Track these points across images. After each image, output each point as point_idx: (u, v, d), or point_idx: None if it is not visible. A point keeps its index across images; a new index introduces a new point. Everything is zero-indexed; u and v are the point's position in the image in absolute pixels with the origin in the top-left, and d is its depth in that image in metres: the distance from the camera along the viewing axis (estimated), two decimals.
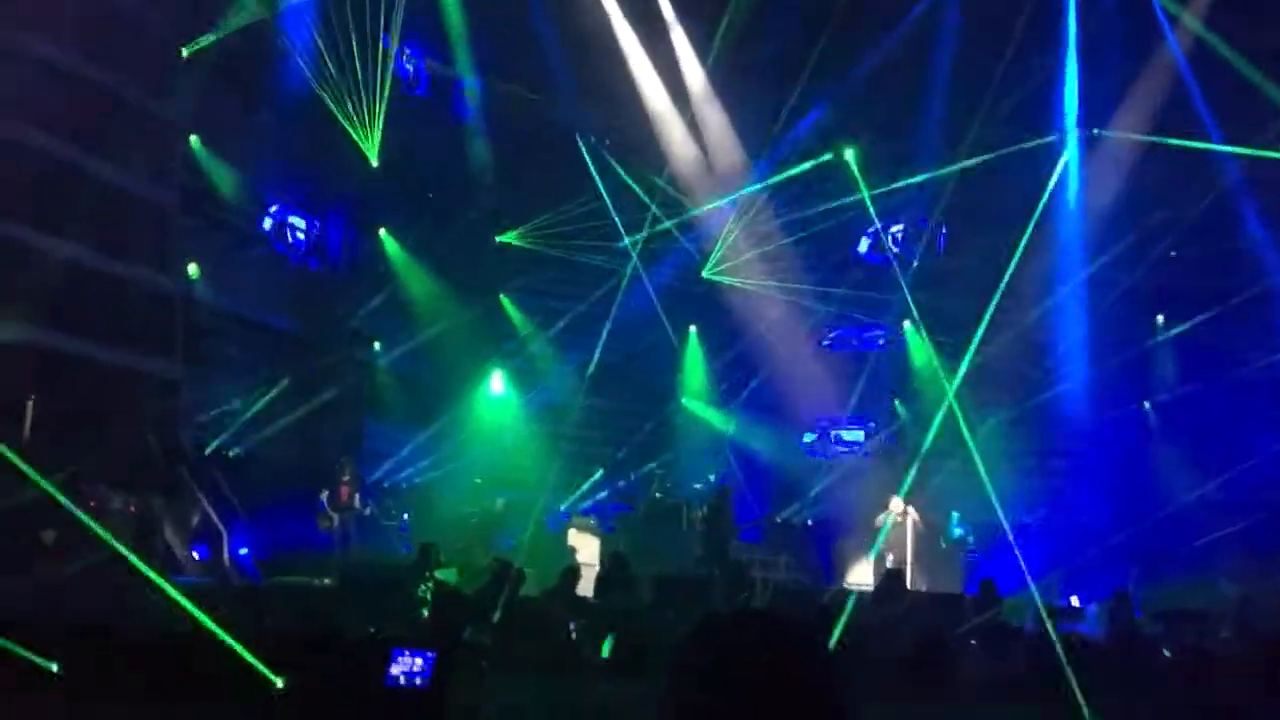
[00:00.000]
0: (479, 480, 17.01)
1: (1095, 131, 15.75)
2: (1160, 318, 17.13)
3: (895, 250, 18.41)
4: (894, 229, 18.68)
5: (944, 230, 17.88)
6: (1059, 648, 7.71)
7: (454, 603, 9.54)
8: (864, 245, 19.07)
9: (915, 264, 18.67)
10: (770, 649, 2.24)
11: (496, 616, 10.57)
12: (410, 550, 13.93)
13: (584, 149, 18.01)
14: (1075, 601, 14.95)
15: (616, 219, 17.98)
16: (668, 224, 17.96)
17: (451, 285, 17.99)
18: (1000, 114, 16.23)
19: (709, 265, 17.93)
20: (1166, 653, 9.11)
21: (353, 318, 17.74)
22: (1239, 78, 14.72)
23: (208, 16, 14.46)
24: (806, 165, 16.65)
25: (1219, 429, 15.79)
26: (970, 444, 17.15)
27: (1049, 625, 9.15)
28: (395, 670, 3.73)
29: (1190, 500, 15.98)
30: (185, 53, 14.30)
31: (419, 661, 3.47)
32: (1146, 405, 16.21)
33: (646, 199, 17.78)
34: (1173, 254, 15.60)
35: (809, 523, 17.66)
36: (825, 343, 19.73)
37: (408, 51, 16.27)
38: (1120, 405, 15.86)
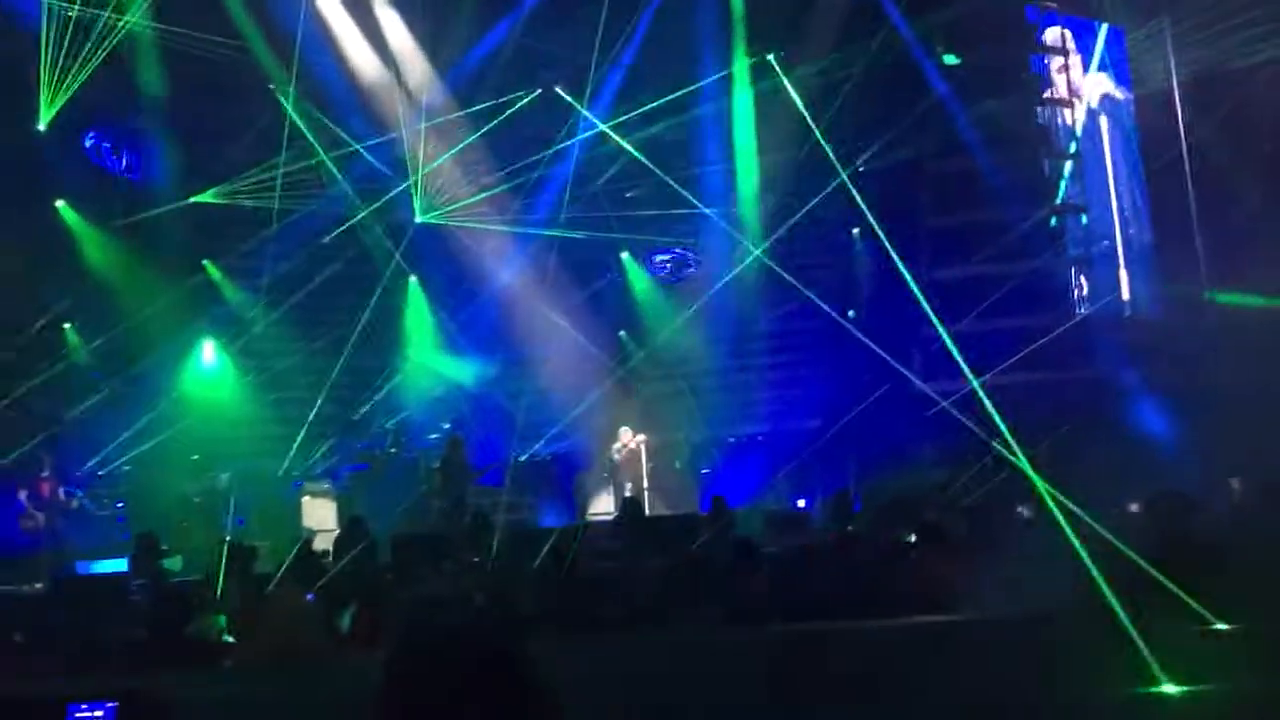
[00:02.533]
0: (197, 456, 16.10)
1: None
2: (855, 230, 18.05)
3: None
4: None
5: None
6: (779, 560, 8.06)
7: (173, 596, 9.03)
8: None
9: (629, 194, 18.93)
10: (470, 673, 2.29)
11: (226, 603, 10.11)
12: (129, 540, 13.14)
13: (280, 97, 17.06)
14: (802, 504, 15.85)
15: (334, 170, 17.30)
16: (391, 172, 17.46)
17: (146, 253, 16.71)
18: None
19: (420, 208, 17.51)
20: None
21: (43, 298, 16.28)
22: None
23: None
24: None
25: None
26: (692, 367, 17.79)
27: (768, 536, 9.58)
28: None
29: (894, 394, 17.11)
30: None
31: (99, 714, 3.17)
32: (851, 314, 17.19)
33: (352, 141, 17.14)
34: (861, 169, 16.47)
35: (549, 459, 17.79)
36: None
37: None
38: (825, 314, 16.69)
